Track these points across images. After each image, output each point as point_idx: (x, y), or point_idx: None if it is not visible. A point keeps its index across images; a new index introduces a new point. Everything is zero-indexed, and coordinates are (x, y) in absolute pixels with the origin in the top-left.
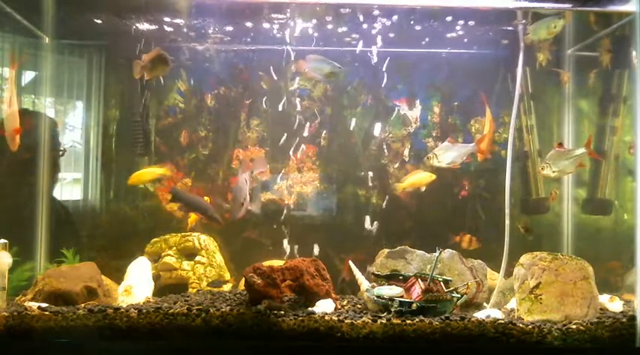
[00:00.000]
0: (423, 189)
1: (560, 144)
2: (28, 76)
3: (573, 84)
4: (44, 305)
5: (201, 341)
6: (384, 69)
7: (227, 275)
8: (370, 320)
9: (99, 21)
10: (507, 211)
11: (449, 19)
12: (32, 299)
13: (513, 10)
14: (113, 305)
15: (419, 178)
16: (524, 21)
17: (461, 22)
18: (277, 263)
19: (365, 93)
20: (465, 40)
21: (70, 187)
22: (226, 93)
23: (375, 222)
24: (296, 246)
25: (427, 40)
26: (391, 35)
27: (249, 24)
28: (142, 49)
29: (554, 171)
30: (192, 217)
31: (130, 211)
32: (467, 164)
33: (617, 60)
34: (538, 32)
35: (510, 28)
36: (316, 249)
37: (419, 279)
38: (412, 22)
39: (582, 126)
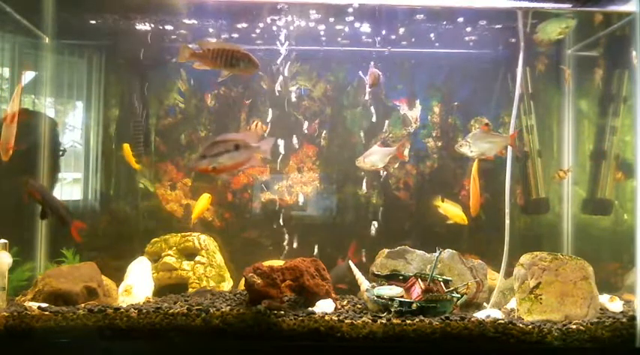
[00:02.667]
0: (450, 221)
1: (487, 125)
2: (28, 76)
3: (573, 84)
4: (44, 305)
5: (201, 341)
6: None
7: (227, 275)
8: (370, 320)
9: (99, 21)
10: (507, 211)
11: (449, 19)
12: (32, 299)
13: (513, 10)
14: (113, 305)
15: (454, 212)
16: (535, 21)
17: (461, 21)
18: (277, 263)
19: (365, 93)
20: (466, 40)
21: (70, 187)
22: (226, 93)
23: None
24: (295, 246)
25: (427, 40)
26: (391, 35)
27: (249, 24)
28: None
29: (472, 151)
30: (195, 214)
31: (130, 211)
32: (467, 164)
33: (617, 60)
34: (548, 31)
35: (509, 28)
36: (316, 249)
37: (419, 279)
38: (412, 22)
39: (582, 126)
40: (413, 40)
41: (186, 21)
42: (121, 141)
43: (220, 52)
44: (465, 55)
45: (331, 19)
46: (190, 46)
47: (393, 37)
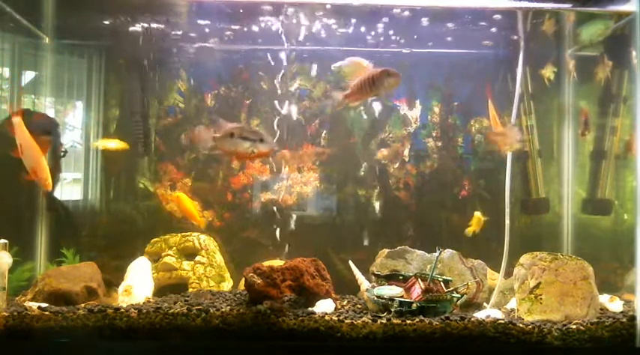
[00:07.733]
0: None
1: None
2: (28, 76)
3: (573, 83)
4: (44, 305)
5: (201, 341)
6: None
7: (227, 275)
8: (370, 320)
9: (99, 21)
10: (507, 211)
11: (449, 18)
12: (32, 299)
13: (514, 11)
14: (113, 305)
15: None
16: (549, 19)
17: (461, 21)
18: (277, 263)
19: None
20: (466, 39)
21: (70, 187)
22: (226, 93)
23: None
24: (295, 246)
25: (428, 39)
26: (392, 35)
27: (249, 24)
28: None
29: None
30: (194, 215)
31: (130, 211)
32: (467, 164)
33: (617, 60)
34: (590, 33)
35: (510, 28)
36: (316, 250)
37: (419, 279)
38: (413, 22)
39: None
40: (413, 40)
41: (187, 21)
42: (122, 141)
43: (362, 82)
44: (465, 55)
45: (331, 19)
46: None
47: (393, 37)
